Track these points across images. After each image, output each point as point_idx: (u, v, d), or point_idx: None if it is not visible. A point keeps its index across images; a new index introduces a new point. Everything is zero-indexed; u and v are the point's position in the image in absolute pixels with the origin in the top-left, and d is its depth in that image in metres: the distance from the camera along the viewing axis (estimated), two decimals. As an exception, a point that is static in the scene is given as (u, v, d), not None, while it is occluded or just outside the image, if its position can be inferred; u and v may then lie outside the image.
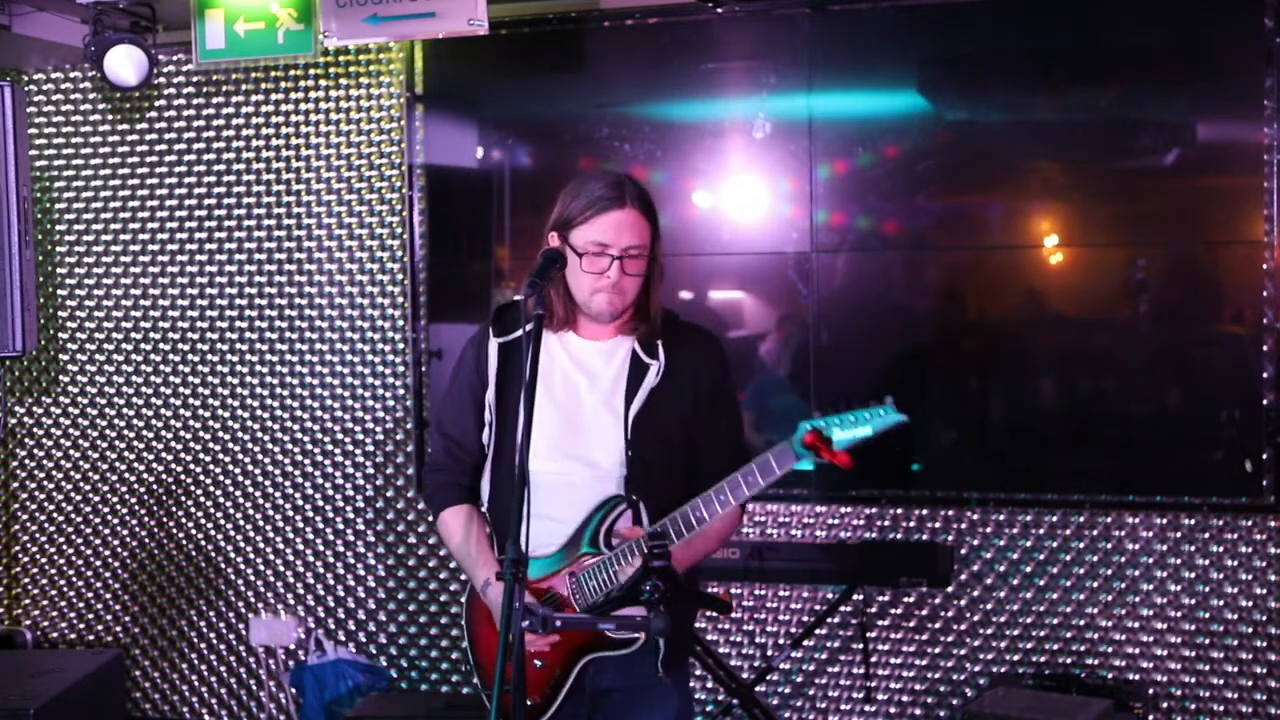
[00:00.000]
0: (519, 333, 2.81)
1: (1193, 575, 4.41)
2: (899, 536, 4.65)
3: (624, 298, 2.78)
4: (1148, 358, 4.47)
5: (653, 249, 2.81)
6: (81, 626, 5.57)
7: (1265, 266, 4.26)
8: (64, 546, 5.56)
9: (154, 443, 5.43)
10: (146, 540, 5.45)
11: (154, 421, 5.42)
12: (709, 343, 2.96)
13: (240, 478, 5.34)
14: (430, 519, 5.12)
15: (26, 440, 5.59)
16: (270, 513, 5.31)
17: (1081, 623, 4.51)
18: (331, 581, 5.27)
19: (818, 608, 4.73)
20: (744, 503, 2.75)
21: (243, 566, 5.35)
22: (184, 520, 5.41)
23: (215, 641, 5.41)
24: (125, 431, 5.46)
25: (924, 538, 4.61)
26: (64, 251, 5.50)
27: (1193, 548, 4.40)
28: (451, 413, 2.95)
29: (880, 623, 4.70)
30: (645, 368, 2.81)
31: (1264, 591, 4.35)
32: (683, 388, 2.83)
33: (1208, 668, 4.41)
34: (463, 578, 5.06)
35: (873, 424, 2.64)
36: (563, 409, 2.83)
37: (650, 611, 2.45)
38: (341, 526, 5.25)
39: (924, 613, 4.66)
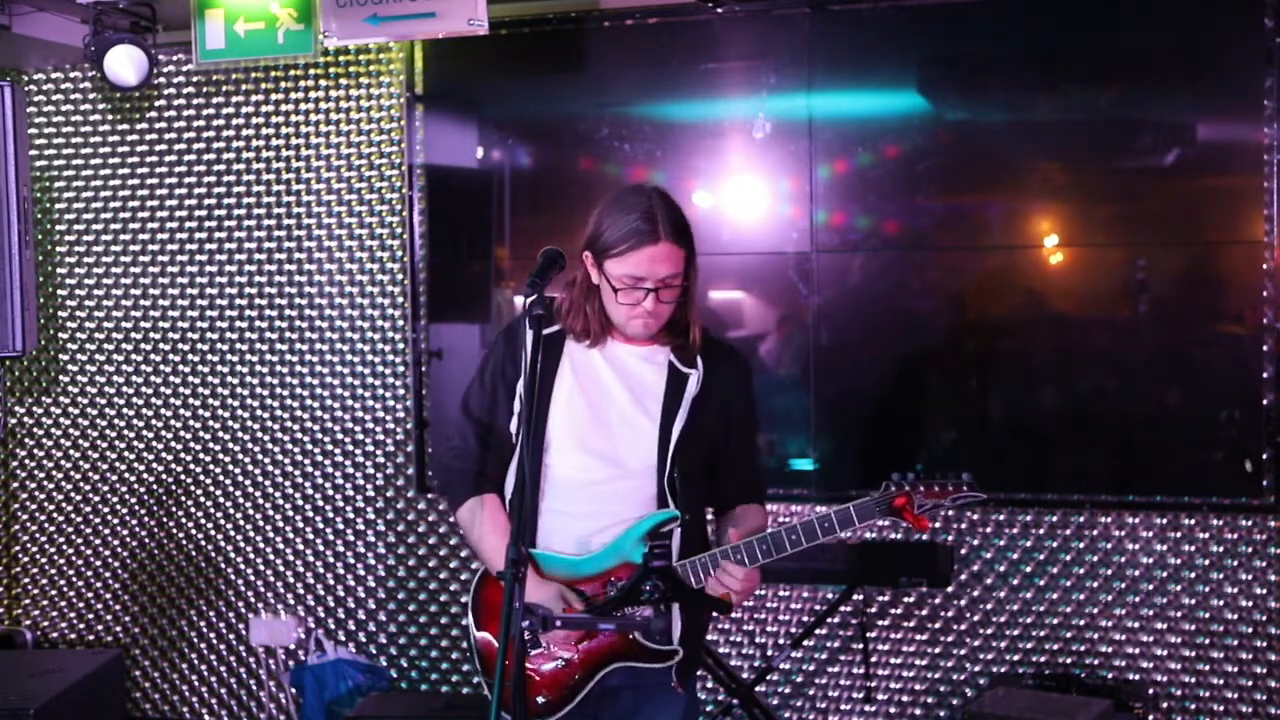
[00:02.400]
0: (555, 327, 2.85)
1: (1193, 575, 4.41)
2: (899, 536, 4.64)
3: (659, 321, 2.80)
4: (1148, 358, 4.47)
5: (688, 268, 2.79)
6: (81, 626, 5.57)
7: (1265, 266, 4.26)
8: (64, 546, 5.56)
9: (154, 443, 5.43)
10: (146, 540, 5.45)
11: (154, 421, 5.42)
12: (740, 361, 2.99)
13: (240, 478, 5.34)
14: (431, 518, 5.13)
15: (26, 440, 5.59)
16: (270, 513, 5.31)
17: (1081, 623, 4.51)
18: (331, 581, 5.27)
19: (818, 608, 4.73)
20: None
21: (243, 566, 5.35)
22: (184, 520, 5.40)
23: (215, 641, 5.41)
24: (125, 431, 5.46)
25: (924, 538, 4.60)
26: (64, 251, 5.50)
27: (1193, 548, 4.40)
28: (480, 397, 2.94)
29: (880, 623, 4.70)
30: (684, 378, 2.83)
31: (1264, 591, 4.35)
32: (714, 403, 2.86)
33: (1208, 668, 4.41)
34: (463, 577, 5.07)
35: (952, 496, 2.79)
36: (594, 407, 2.84)
37: (651, 611, 2.46)
38: (341, 526, 5.25)
39: (924, 613, 4.66)
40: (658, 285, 2.72)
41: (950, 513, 4.59)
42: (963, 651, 4.63)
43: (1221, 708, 4.41)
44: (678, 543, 2.79)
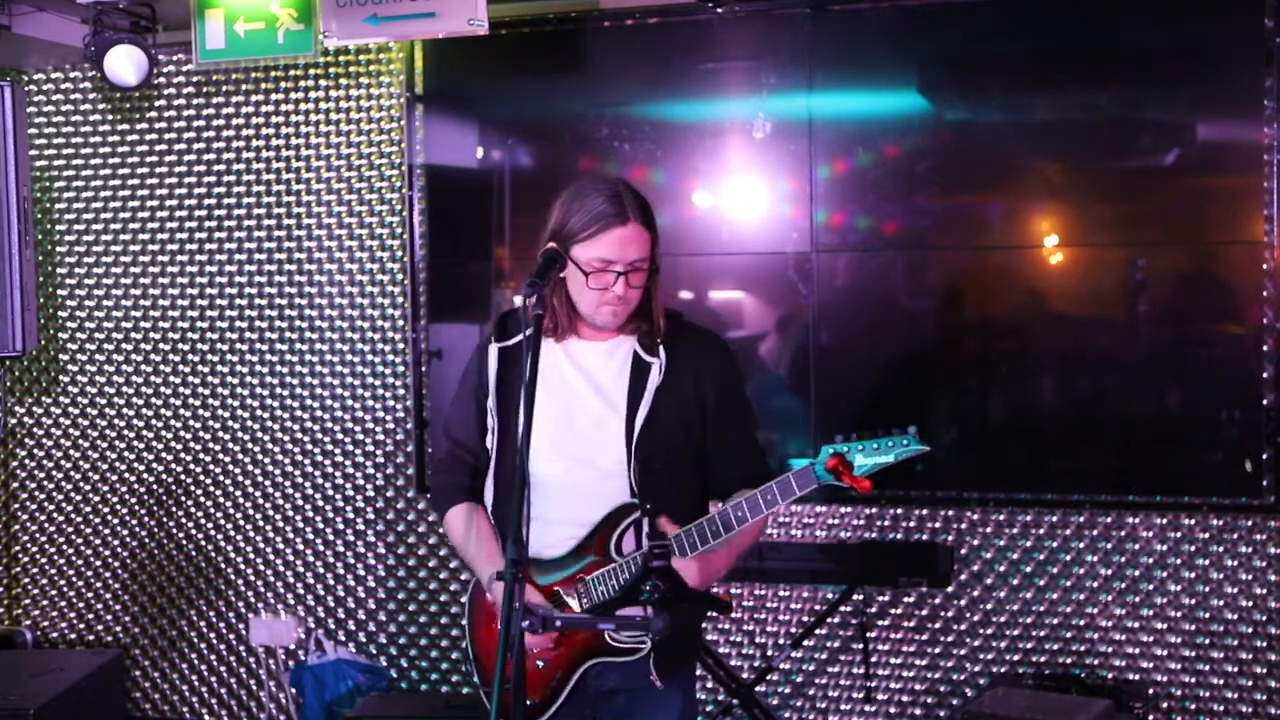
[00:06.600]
0: (519, 338, 2.82)
1: (1193, 575, 4.41)
2: (899, 536, 4.65)
3: (629, 308, 2.79)
4: (1148, 358, 4.47)
5: (653, 254, 2.80)
6: (81, 626, 5.57)
7: (1265, 266, 4.26)
8: (64, 546, 5.56)
9: (154, 443, 5.43)
10: (146, 540, 5.45)
11: (154, 421, 5.42)
12: (713, 344, 2.94)
13: (240, 478, 5.34)
14: (431, 519, 5.14)
15: (26, 440, 5.59)
16: (270, 513, 5.31)
17: (1081, 623, 4.51)
18: (331, 581, 5.27)
19: (818, 608, 4.73)
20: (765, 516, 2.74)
21: (243, 566, 5.35)
22: (184, 520, 5.41)
23: (215, 641, 5.41)
24: (125, 431, 5.46)
25: (924, 538, 4.61)
26: (64, 251, 5.50)
27: (1193, 548, 4.40)
28: (456, 416, 2.98)
29: (880, 623, 4.70)
30: (647, 367, 2.80)
31: (1264, 591, 4.35)
32: (686, 388, 2.82)
33: (1208, 668, 4.42)
34: (463, 577, 5.07)
35: (895, 452, 2.66)
36: (562, 410, 2.83)
37: (651, 611, 2.46)
38: (341, 526, 5.25)
39: (924, 613, 4.66)
40: (627, 269, 2.73)
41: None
42: (963, 651, 4.63)
43: (1221, 708, 4.41)
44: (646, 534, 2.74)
